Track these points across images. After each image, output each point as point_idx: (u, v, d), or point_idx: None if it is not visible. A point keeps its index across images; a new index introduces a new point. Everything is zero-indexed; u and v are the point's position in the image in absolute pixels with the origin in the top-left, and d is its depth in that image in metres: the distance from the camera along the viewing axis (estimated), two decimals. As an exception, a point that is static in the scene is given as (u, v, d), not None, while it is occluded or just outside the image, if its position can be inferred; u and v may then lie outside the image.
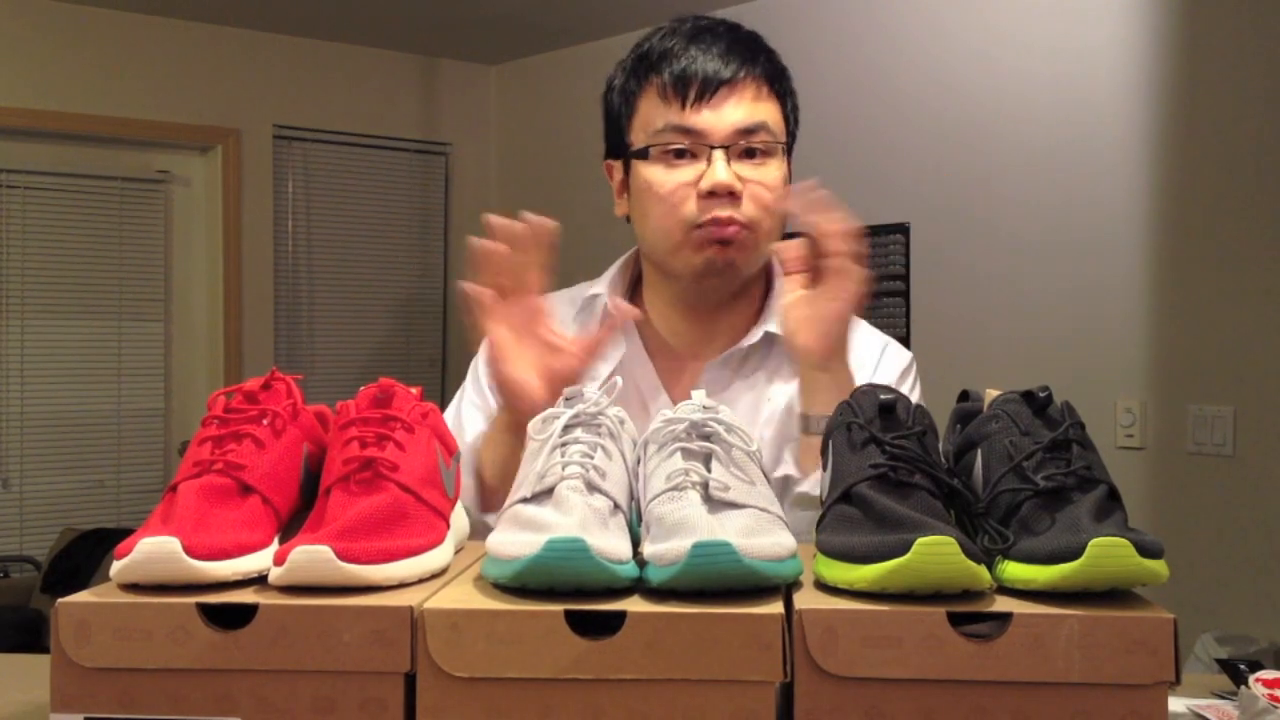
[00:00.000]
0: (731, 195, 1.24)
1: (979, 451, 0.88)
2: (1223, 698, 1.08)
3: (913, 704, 0.75)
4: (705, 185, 1.24)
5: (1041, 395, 0.88)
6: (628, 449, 0.92)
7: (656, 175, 1.27)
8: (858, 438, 0.87)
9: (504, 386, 1.17)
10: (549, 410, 0.92)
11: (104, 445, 4.43)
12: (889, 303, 3.65)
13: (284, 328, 4.73)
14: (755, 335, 1.33)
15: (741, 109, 1.26)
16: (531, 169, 4.99)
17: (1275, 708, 0.93)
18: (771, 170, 1.27)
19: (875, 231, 3.68)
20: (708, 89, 1.26)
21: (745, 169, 1.26)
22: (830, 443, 0.91)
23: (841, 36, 3.80)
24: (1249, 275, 2.91)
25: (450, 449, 0.96)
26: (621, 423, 0.93)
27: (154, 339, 4.53)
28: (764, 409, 1.31)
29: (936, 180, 3.55)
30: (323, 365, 4.80)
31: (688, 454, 0.86)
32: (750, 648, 0.74)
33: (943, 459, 0.91)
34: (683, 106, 1.26)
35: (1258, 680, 0.99)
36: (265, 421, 0.90)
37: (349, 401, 0.91)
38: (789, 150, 1.34)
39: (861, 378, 1.22)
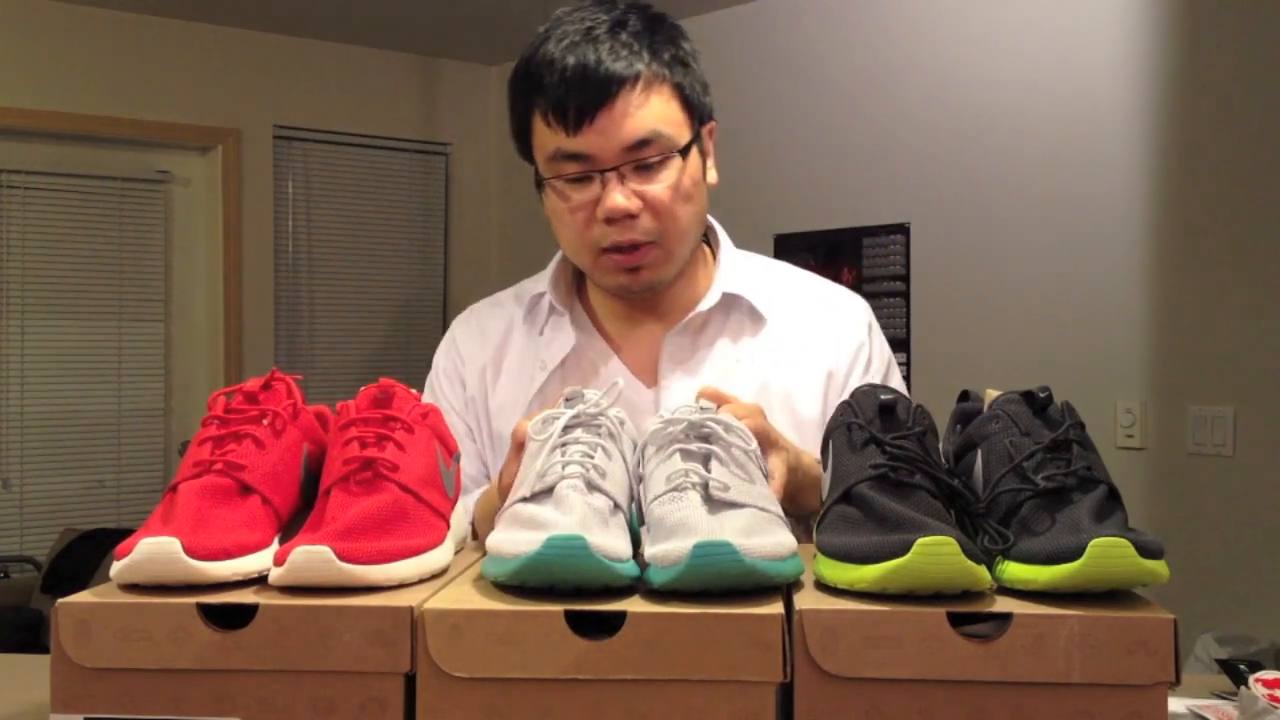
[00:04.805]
0: (630, 217, 1.20)
1: (979, 451, 0.88)
2: (1223, 698, 1.08)
3: (913, 704, 0.75)
4: (600, 213, 1.21)
5: (1041, 395, 0.88)
6: (628, 449, 0.92)
7: (557, 203, 1.25)
8: (858, 438, 0.87)
9: None
10: (549, 411, 0.92)
11: (104, 445, 4.43)
12: (889, 303, 3.64)
13: (284, 328, 4.73)
14: (713, 298, 1.30)
15: (627, 124, 1.19)
16: (531, 169, 4.98)
17: (1275, 708, 0.93)
18: (671, 175, 1.21)
19: (875, 231, 3.68)
20: (587, 111, 1.18)
21: (642, 184, 1.21)
22: (830, 443, 0.91)
23: (842, 36, 3.79)
24: (1249, 275, 2.90)
25: (450, 449, 0.96)
26: (621, 423, 0.93)
27: (154, 339, 4.53)
28: (735, 372, 1.28)
29: (936, 180, 3.55)
30: (323, 365, 4.80)
31: (687, 455, 0.86)
32: (750, 648, 0.74)
33: (943, 459, 0.91)
34: (567, 132, 1.20)
35: (1258, 680, 0.99)
36: (265, 422, 0.90)
37: (349, 401, 0.92)
38: (701, 129, 1.26)
39: (855, 338, 1.31)
